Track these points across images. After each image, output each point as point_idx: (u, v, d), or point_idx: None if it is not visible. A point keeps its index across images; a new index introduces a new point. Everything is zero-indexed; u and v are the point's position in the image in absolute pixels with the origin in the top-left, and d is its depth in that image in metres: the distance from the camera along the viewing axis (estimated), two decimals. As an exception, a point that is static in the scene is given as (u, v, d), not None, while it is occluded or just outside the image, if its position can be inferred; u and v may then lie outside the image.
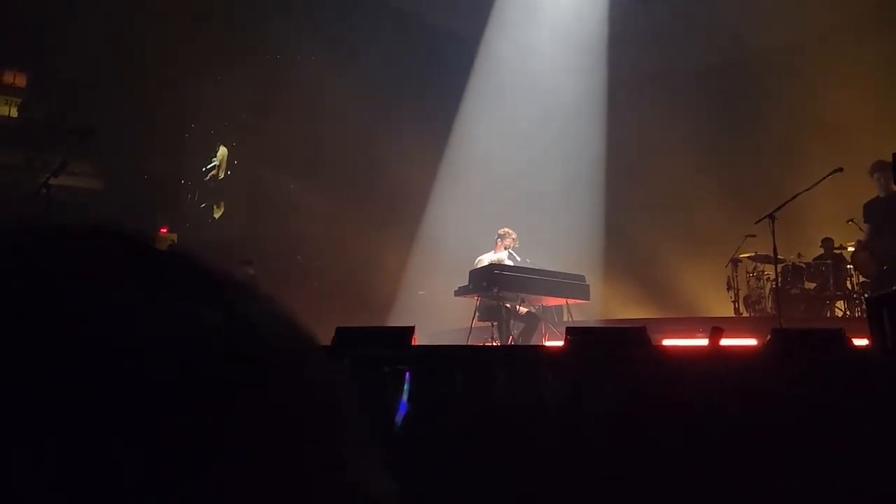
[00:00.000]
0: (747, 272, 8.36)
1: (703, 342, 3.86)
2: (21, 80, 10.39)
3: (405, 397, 2.40)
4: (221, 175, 11.94)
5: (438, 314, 8.15)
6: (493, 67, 10.72)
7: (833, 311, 7.63)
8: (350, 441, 0.27)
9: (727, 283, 8.42)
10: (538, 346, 5.81)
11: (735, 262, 8.32)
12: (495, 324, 6.58)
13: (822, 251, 7.86)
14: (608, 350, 2.92)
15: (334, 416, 0.27)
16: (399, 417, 2.39)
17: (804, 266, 7.75)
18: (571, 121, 10.38)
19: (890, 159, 3.84)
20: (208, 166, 12.11)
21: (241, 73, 11.48)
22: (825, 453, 2.45)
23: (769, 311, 7.79)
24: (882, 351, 2.77)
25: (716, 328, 3.15)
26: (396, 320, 8.73)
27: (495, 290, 6.36)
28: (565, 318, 7.00)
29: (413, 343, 2.84)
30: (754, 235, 7.33)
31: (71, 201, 8.23)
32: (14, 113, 10.33)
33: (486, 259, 7.09)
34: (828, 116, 8.50)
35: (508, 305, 6.70)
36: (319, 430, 0.25)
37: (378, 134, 9.98)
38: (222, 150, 11.97)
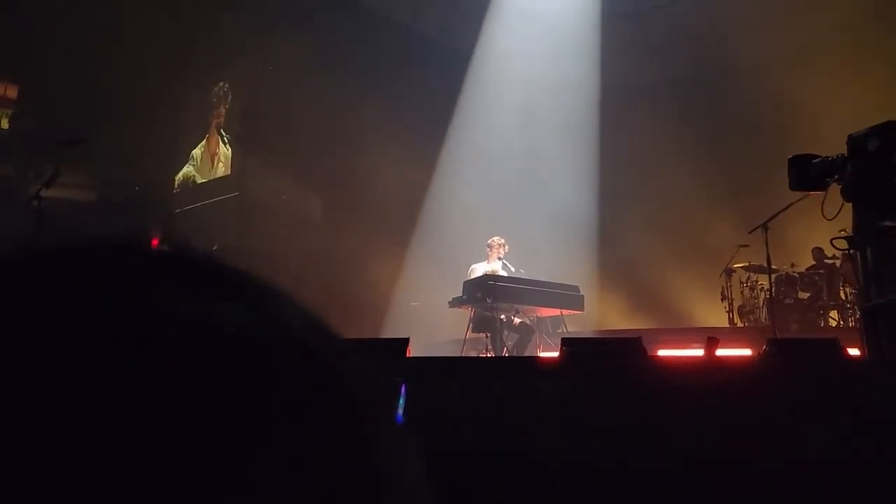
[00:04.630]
0: (741, 282, 8.37)
1: (699, 352, 3.84)
2: (12, 92, 10.36)
3: (400, 410, 2.37)
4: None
5: (432, 325, 8.09)
6: (486, 78, 10.75)
7: (827, 322, 7.64)
8: (382, 432, 0.27)
9: (721, 293, 8.43)
10: (533, 356, 5.78)
11: (729, 272, 8.32)
12: (489, 335, 6.55)
13: (814, 262, 7.88)
14: (604, 361, 2.90)
15: (363, 408, 0.27)
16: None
17: (798, 276, 7.77)
18: (565, 131, 10.41)
19: None
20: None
21: (231, 82, 11.47)
22: (822, 462, 2.44)
23: (763, 321, 7.79)
24: (878, 361, 2.76)
25: (711, 338, 3.13)
26: (389, 332, 8.68)
27: (489, 301, 6.32)
28: (560, 329, 6.98)
29: (408, 355, 2.81)
30: (748, 245, 7.32)
31: (62, 213, 8.17)
32: (5, 125, 10.29)
33: (479, 269, 7.04)
34: (822, 124, 8.52)
35: (503, 316, 6.66)
36: (349, 421, 0.25)
37: (371, 143, 9.96)
38: (214, 160, 11.93)
